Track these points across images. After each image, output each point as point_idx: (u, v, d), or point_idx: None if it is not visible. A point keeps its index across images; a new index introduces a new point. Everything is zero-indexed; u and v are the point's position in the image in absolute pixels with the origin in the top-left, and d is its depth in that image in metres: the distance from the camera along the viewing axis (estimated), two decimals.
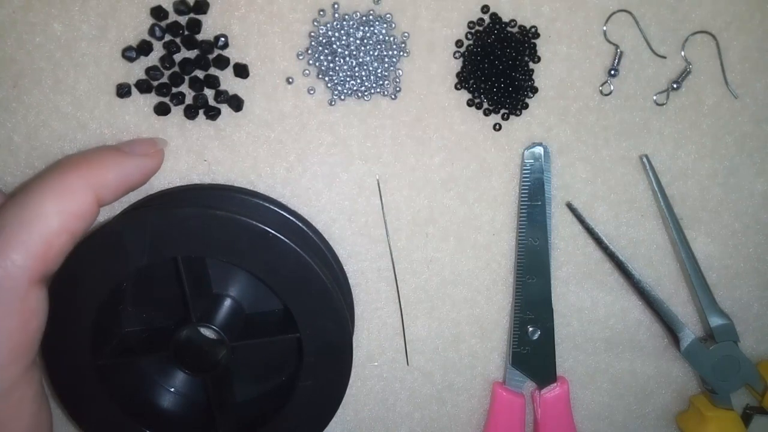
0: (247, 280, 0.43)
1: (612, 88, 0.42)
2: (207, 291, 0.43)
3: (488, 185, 0.43)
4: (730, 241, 0.45)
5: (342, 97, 0.41)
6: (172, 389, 0.44)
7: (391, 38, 0.41)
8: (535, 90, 0.42)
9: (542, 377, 0.45)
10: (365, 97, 0.41)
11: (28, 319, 0.33)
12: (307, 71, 0.41)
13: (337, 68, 0.40)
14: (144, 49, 0.40)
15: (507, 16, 0.41)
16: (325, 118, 0.42)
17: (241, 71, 0.40)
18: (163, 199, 0.41)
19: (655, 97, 0.42)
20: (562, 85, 0.42)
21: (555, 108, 0.42)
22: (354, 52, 0.40)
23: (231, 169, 0.42)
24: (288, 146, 0.42)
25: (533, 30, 0.41)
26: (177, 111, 0.41)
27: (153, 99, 0.41)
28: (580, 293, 0.45)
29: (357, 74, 0.41)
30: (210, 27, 0.40)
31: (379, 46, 0.40)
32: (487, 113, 0.42)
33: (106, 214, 0.42)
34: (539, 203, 0.43)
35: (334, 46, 0.40)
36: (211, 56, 0.40)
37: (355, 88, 0.41)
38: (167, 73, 0.40)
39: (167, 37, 0.39)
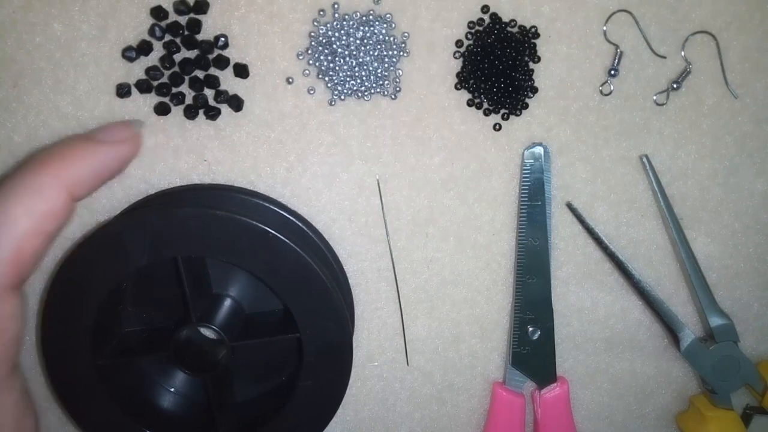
0: (247, 280, 0.43)
1: (612, 88, 0.42)
2: (207, 291, 0.43)
3: (488, 185, 0.43)
4: (730, 241, 0.45)
5: (342, 97, 0.41)
6: (172, 389, 0.44)
7: (391, 38, 0.41)
8: (535, 90, 0.42)
9: (542, 377, 0.45)
10: (365, 97, 0.41)
11: (3, 327, 0.31)
12: (307, 71, 0.41)
13: (337, 68, 0.40)
14: (144, 49, 0.40)
15: (507, 16, 0.41)
16: (325, 118, 0.42)
17: (241, 71, 0.40)
18: (163, 199, 0.41)
19: (655, 97, 0.42)
20: (562, 85, 0.42)
21: (555, 108, 0.42)
22: (354, 52, 0.40)
23: (231, 169, 0.42)
24: (288, 146, 0.42)
25: (533, 30, 0.41)
26: (177, 111, 0.41)
27: (153, 99, 0.41)
28: (580, 293, 0.45)
29: (357, 74, 0.41)
30: (210, 27, 0.40)
31: (379, 46, 0.40)
32: (487, 113, 0.42)
33: (106, 213, 0.42)
34: (539, 203, 0.43)
35: (334, 46, 0.40)
36: (211, 56, 0.40)
37: (355, 88, 0.41)
38: (167, 73, 0.40)
39: (167, 37, 0.39)
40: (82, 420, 0.41)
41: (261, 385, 0.45)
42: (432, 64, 0.41)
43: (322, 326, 0.39)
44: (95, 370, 0.39)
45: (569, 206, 0.44)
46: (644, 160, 0.43)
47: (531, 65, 0.41)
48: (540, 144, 0.42)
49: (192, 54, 0.40)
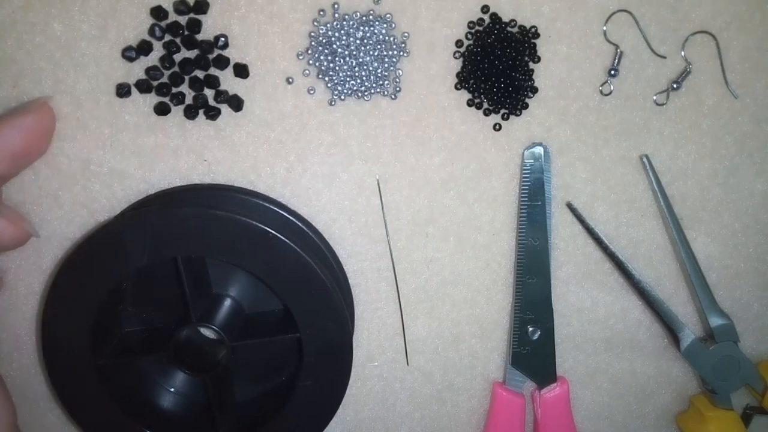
0: (247, 280, 0.43)
1: (612, 88, 0.42)
2: (207, 291, 0.43)
3: (488, 185, 0.43)
4: (730, 241, 0.45)
5: (342, 97, 0.41)
6: (172, 389, 0.44)
7: (391, 38, 0.41)
8: (535, 90, 0.42)
9: (542, 377, 0.45)
10: (365, 97, 0.41)
11: None
12: (307, 71, 0.41)
13: (337, 68, 0.40)
14: (144, 49, 0.40)
15: (507, 16, 0.41)
16: (325, 118, 0.42)
17: (241, 71, 0.40)
18: (163, 199, 0.41)
19: (655, 97, 0.42)
20: (562, 85, 0.42)
21: (555, 108, 0.42)
22: (354, 52, 0.40)
23: (231, 169, 0.42)
24: (288, 146, 0.42)
25: (533, 30, 0.41)
26: (177, 111, 0.41)
27: (153, 99, 0.41)
28: (580, 293, 0.45)
29: (357, 74, 0.41)
30: (210, 27, 0.40)
31: (379, 46, 0.40)
32: (487, 113, 0.42)
33: (106, 213, 0.42)
34: (539, 203, 0.43)
35: (334, 46, 0.40)
36: (211, 56, 0.40)
37: (355, 88, 0.41)
38: (167, 73, 0.40)
39: (167, 37, 0.39)
40: (82, 420, 0.41)
41: (261, 385, 0.45)
42: (432, 64, 0.41)
43: (322, 326, 0.39)
44: (95, 370, 0.39)
45: (569, 206, 0.44)
46: (644, 160, 0.43)
47: (531, 65, 0.41)
48: (540, 144, 0.42)
49: (192, 54, 0.40)
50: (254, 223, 0.37)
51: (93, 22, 0.39)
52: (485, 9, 0.41)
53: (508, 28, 0.41)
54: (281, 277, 0.38)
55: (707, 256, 0.45)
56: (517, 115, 0.42)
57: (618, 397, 0.47)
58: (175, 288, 0.39)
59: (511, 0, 0.41)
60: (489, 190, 0.43)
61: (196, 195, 0.42)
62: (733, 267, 0.45)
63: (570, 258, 0.45)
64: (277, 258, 0.38)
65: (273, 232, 0.37)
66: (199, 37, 0.40)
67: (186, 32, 0.40)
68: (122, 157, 0.41)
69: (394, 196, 0.43)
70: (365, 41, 0.40)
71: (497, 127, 0.42)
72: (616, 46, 0.41)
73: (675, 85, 0.42)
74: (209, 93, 0.41)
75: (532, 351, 0.44)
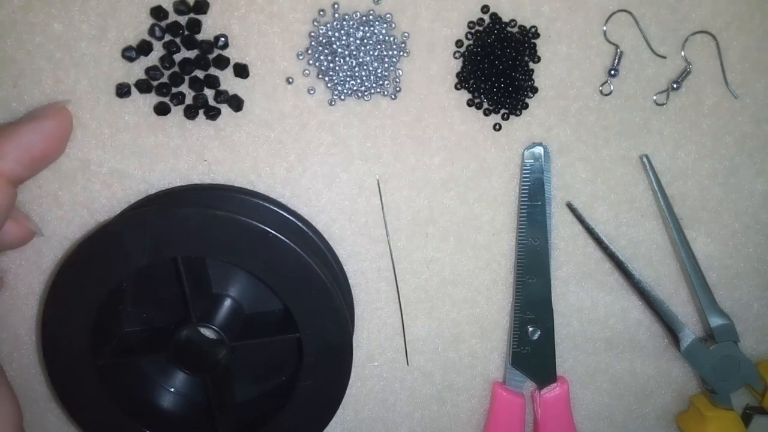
0: (247, 280, 0.43)
1: (612, 88, 0.42)
2: (207, 291, 0.43)
3: (488, 185, 0.43)
4: (730, 241, 0.45)
5: (342, 97, 0.41)
6: (172, 389, 0.44)
7: (391, 38, 0.41)
8: (535, 90, 0.42)
9: (542, 377, 0.45)
10: (365, 97, 0.41)
11: None
12: (307, 71, 0.41)
13: (337, 68, 0.40)
14: (144, 49, 0.40)
15: (507, 16, 0.41)
16: (325, 118, 0.42)
17: (241, 71, 0.40)
18: (163, 199, 0.41)
19: (655, 97, 0.42)
20: (562, 85, 0.42)
21: (555, 108, 0.42)
22: (354, 52, 0.40)
23: (231, 169, 0.42)
24: (288, 146, 0.42)
25: (533, 30, 0.41)
26: (177, 111, 0.41)
27: (153, 99, 0.41)
28: (580, 293, 0.45)
29: (357, 74, 0.41)
30: (210, 27, 0.40)
31: (379, 46, 0.40)
32: (487, 113, 0.42)
33: (106, 213, 0.42)
34: (539, 203, 0.43)
35: (334, 46, 0.40)
36: (211, 56, 0.40)
37: (355, 88, 0.41)
38: (167, 73, 0.40)
39: (167, 37, 0.39)
40: (82, 420, 0.41)
41: (261, 385, 0.45)
42: (432, 64, 0.41)
43: (322, 326, 0.39)
44: (95, 370, 0.39)
45: (569, 206, 0.44)
46: (644, 160, 0.43)
47: (531, 65, 0.41)
48: (540, 144, 0.42)
49: (192, 54, 0.40)
50: (254, 223, 0.37)
51: (93, 22, 0.39)
52: (485, 9, 0.41)
53: (508, 28, 0.41)
54: (281, 277, 0.38)
55: (707, 256, 0.45)
56: (517, 115, 0.42)
57: (618, 397, 0.47)
58: (175, 288, 0.39)
59: (511, 0, 0.41)
60: (489, 190, 0.43)
61: (196, 195, 0.42)
62: (733, 267, 0.45)
63: (570, 258, 0.45)
64: (277, 258, 0.38)
65: (273, 232, 0.37)
66: (199, 37, 0.40)
67: (186, 32, 0.40)
68: (122, 157, 0.41)
69: (394, 196, 0.43)
70: (365, 41, 0.40)
71: (497, 127, 0.42)
72: (616, 46, 0.41)
73: (675, 85, 0.42)
74: (209, 93, 0.41)
75: (532, 351, 0.44)
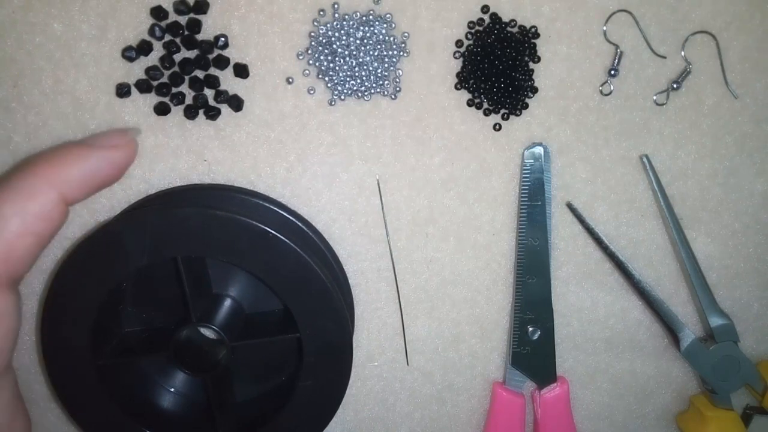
0: (247, 280, 0.43)
1: (612, 88, 0.42)
2: (207, 291, 0.43)
3: (488, 185, 0.43)
4: (730, 241, 0.45)
5: (342, 97, 0.41)
6: (172, 389, 0.44)
7: (391, 38, 0.41)
8: (535, 90, 0.42)
9: (542, 377, 0.45)
10: (365, 97, 0.41)
11: None
12: (307, 71, 0.41)
13: (337, 68, 0.40)
14: (144, 49, 0.40)
15: (507, 16, 0.41)
16: (325, 118, 0.42)
17: (241, 71, 0.40)
18: (163, 199, 0.41)
19: (655, 97, 0.42)
20: (562, 85, 0.42)
21: (555, 108, 0.42)
22: (354, 52, 0.40)
23: (231, 169, 0.42)
24: (288, 146, 0.42)
25: (533, 30, 0.41)
26: (177, 111, 0.41)
27: (153, 99, 0.41)
28: (580, 293, 0.45)
29: (357, 74, 0.41)
30: (210, 27, 0.40)
31: (379, 46, 0.40)
32: (487, 113, 0.42)
33: (106, 213, 0.42)
34: (539, 203, 0.43)
35: (334, 46, 0.40)
36: (211, 56, 0.40)
37: (355, 88, 0.41)
38: (167, 73, 0.40)
39: (167, 37, 0.39)
40: (82, 420, 0.41)
41: (261, 385, 0.45)
42: (432, 64, 0.41)
43: (322, 326, 0.39)
44: (95, 370, 0.39)
45: (569, 206, 0.44)
46: (644, 160, 0.43)
47: (531, 65, 0.41)
48: (540, 144, 0.42)
49: (192, 54, 0.40)
50: (254, 223, 0.37)
51: (93, 22, 0.39)
52: (485, 9, 0.41)
53: (508, 28, 0.41)
54: (281, 277, 0.38)
55: (707, 256, 0.45)
56: (517, 115, 0.42)
57: (618, 397, 0.47)
58: (175, 288, 0.39)
59: (511, 0, 0.41)
60: (489, 190, 0.43)
61: (196, 195, 0.42)
62: (733, 267, 0.45)
63: (570, 258, 0.45)
64: (277, 258, 0.38)
65: (273, 232, 0.37)
66: (199, 37, 0.40)
67: (186, 32, 0.40)
68: None
69: (394, 196, 0.43)
70: (365, 41, 0.40)
71: (497, 127, 0.42)
72: (616, 46, 0.41)
73: (675, 85, 0.42)
74: (209, 93, 0.41)
75: (532, 351, 0.44)
